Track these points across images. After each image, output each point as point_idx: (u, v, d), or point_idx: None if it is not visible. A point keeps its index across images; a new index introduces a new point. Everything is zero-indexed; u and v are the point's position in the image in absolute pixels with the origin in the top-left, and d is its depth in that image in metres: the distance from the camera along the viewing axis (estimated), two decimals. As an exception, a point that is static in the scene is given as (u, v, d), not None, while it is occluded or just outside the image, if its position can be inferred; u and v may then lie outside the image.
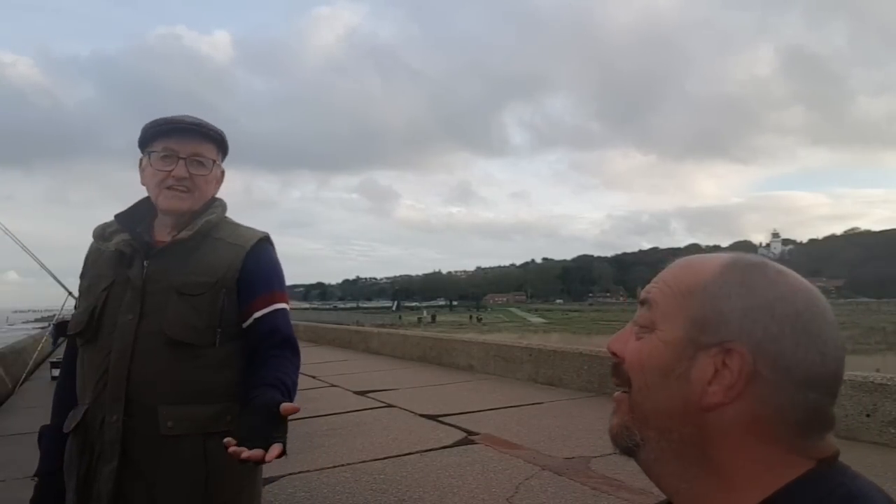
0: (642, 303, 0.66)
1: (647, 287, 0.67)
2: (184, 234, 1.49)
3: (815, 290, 0.60)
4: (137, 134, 1.55)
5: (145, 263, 1.47)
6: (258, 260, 1.54)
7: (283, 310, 1.55)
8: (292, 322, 1.60)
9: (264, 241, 1.59)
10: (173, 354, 1.41)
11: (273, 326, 1.51)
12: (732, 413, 0.57)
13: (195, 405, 1.41)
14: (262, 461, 1.17)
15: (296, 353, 1.54)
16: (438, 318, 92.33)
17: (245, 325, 1.49)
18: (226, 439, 1.17)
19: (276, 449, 1.19)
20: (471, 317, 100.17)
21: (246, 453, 1.15)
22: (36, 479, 1.53)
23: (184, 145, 1.49)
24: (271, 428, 1.23)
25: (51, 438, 1.52)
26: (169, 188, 1.48)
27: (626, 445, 0.63)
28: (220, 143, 1.56)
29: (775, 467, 0.56)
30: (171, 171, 1.48)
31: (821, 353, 0.56)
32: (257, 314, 1.50)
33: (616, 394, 0.66)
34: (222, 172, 1.61)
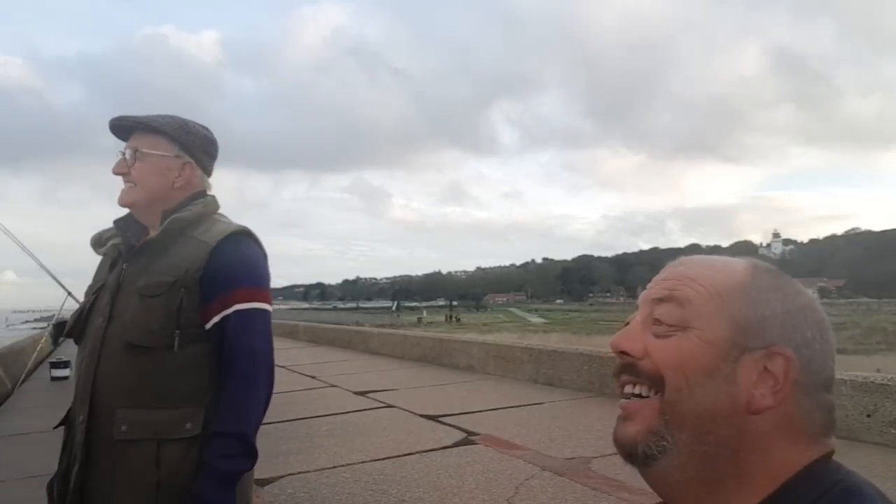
0: (662, 300, 0.63)
1: (667, 283, 0.64)
2: (153, 233, 1.49)
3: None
4: None
5: (124, 266, 1.48)
6: (225, 256, 1.43)
7: (247, 311, 1.42)
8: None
9: (237, 235, 1.48)
10: (132, 357, 1.39)
11: (227, 336, 1.40)
12: (773, 416, 0.58)
13: (152, 410, 1.37)
14: None
15: (252, 371, 1.41)
16: (434, 318, 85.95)
17: (206, 328, 1.41)
18: None
19: None
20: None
21: None
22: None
23: (128, 142, 1.52)
24: None
25: None
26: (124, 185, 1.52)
27: (649, 452, 0.60)
28: (163, 133, 1.49)
29: (791, 467, 0.58)
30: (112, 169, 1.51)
31: (833, 358, 0.61)
32: (214, 319, 1.41)
33: (629, 402, 0.63)
34: (184, 163, 1.52)
